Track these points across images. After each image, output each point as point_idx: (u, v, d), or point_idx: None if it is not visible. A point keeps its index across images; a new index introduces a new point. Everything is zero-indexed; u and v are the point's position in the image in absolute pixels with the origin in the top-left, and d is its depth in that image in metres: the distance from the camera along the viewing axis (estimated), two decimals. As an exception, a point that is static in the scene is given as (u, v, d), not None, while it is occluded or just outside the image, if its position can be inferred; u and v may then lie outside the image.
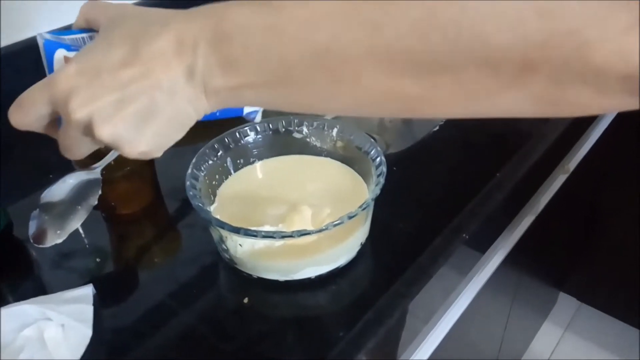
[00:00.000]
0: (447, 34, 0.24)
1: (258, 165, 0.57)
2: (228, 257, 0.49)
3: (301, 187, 0.55)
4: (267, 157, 0.57)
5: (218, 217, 0.46)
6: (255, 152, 0.56)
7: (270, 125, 0.56)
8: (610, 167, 1.15)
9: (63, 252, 0.52)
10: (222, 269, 0.51)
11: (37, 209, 0.46)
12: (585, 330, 1.42)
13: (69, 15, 0.39)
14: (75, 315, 0.43)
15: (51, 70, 0.42)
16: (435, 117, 0.29)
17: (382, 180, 0.47)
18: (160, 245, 0.55)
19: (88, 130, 0.31)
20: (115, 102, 0.30)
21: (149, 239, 0.55)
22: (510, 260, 0.75)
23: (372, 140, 0.52)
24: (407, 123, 0.79)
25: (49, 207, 0.47)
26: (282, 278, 0.48)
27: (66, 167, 0.49)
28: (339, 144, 0.56)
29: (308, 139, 0.57)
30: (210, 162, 0.52)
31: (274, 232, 0.44)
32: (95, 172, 0.48)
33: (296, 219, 0.48)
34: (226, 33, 0.28)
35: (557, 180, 0.85)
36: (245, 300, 0.47)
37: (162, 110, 0.30)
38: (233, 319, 0.46)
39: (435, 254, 0.50)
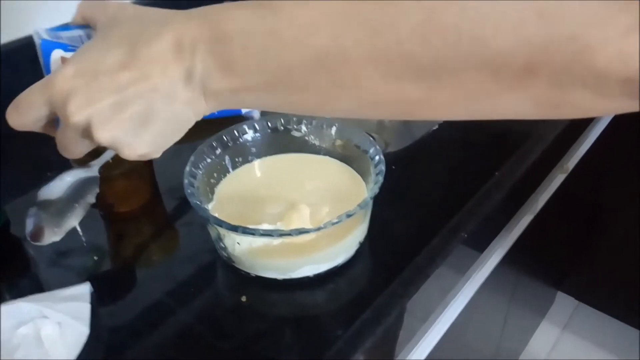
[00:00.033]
0: (447, 38, 0.24)
1: (256, 163, 0.57)
2: (226, 255, 0.49)
3: (300, 185, 0.55)
4: (266, 155, 0.57)
5: (216, 215, 0.46)
6: (253, 150, 0.56)
7: (269, 124, 0.56)
8: (609, 166, 1.15)
9: (60, 250, 0.52)
10: (219, 268, 0.51)
11: (34, 207, 0.46)
12: (582, 329, 1.42)
13: (69, 14, 0.39)
14: (72, 314, 0.43)
15: (48, 70, 0.42)
16: (435, 119, 0.29)
17: (380, 179, 0.47)
18: (158, 243, 0.55)
19: (87, 132, 0.30)
20: (114, 105, 0.29)
21: (146, 237, 0.55)
22: (508, 259, 0.75)
23: (371, 138, 0.52)
24: (406, 122, 0.79)
25: (46, 204, 0.46)
26: (280, 277, 0.48)
27: (64, 164, 0.49)
28: (338, 142, 0.56)
29: (307, 138, 0.57)
30: (209, 160, 0.52)
31: (272, 231, 0.44)
32: (93, 170, 0.48)
33: (294, 217, 0.48)
34: (225, 36, 0.28)
35: (556, 180, 0.85)
36: (243, 298, 0.47)
37: (161, 113, 0.30)
38: (231, 317, 0.46)
39: (434, 254, 0.50)
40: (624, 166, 1.16)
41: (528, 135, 0.64)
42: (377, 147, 0.51)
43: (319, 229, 0.43)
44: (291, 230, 0.43)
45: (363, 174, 0.54)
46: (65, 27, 0.42)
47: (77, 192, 0.47)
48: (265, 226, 0.46)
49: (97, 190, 0.47)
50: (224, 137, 0.54)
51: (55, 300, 0.45)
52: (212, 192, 0.53)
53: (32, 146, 0.64)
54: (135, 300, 0.48)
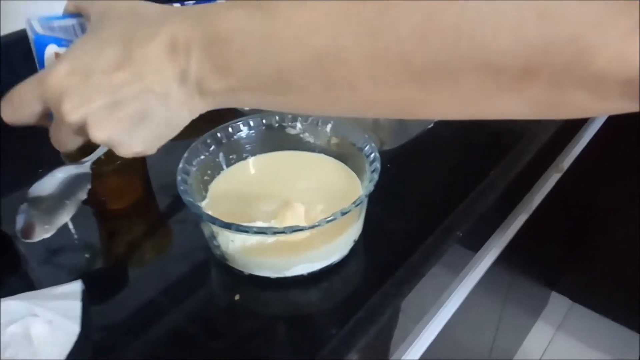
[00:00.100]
0: (447, 39, 0.24)
1: (251, 160, 0.56)
2: (219, 253, 0.48)
3: (294, 183, 0.54)
4: (260, 152, 0.56)
5: (209, 212, 0.45)
6: (248, 147, 0.56)
7: (264, 121, 0.56)
8: (604, 166, 1.15)
9: (51, 248, 0.52)
10: (213, 266, 0.50)
11: (25, 203, 0.45)
12: (577, 330, 1.43)
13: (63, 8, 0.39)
14: (63, 312, 0.43)
15: (42, 65, 0.42)
16: (433, 118, 0.29)
17: (375, 176, 0.47)
18: (151, 241, 0.54)
19: (82, 130, 0.31)
20: (109, 106, 0.30)
21: (139, 235, 0.54)
22: (503, 259, 0.75)
23: (366, 136, 0.52)
24: (402, 121, 0.78)
25: (37, 201, 0.46)
26: (274, 275, 0.47)
27: (56, 161, 0.49)
28: (333, 140, 0.55)
29: (302, 135, 0.56)
30: (202, 157, 0.52)
31: (266, 228, 0.43)
32: (84, 166, 0.48)
33: (289, 215, 0.47)
34: (220, 37, 0.28)
35: (551, 180, 0.85)
36: (237, 297, 0.47)
37: (156, 113, 0.30)
38: (224, 316, 0.46)
39: (428, 253, 0.50)
40: (619, 166, 1.16)
41: (523, 135, 0.64)
42: (373, 144, 0.51)
43: (313, 226, 0.43)
44: (285, 228, 0.43)
45: (358, 172, 0.53)
46: (57, 16, 0.41)
47: (68, 189, 0.46)
48: (259, 224, 0.46)
49: (88, 186, 0.46)
50: (218, 134, 0.53)
51: (46, 298, 0.44)
52: (206, 190, 0.53)
53: (24, 143, 0.64)
54: (127, 299, 0.48)
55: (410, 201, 0.56)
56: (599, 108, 0.25)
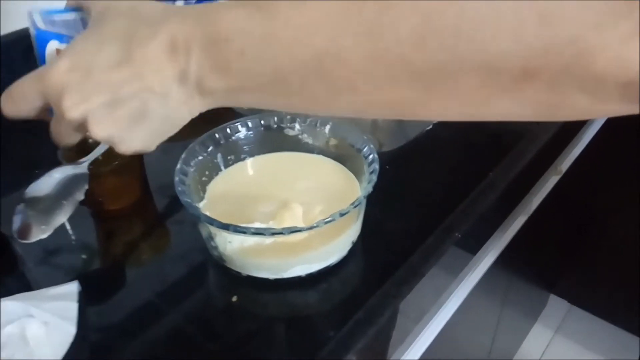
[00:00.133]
0: (446, 40, 0.24)
1: (249, 161, 0.56)
2: (217, 254, 0.48)
3: (292, 184, 0.54)
4: (259, 153, 0.56)
5: (207, 213, 0.45)
6: (246, 148, 0.56)
7: (262, 122, 0.55)
8: (603, 168, 1.15)
9: (48, 248, 0.51)
10: (211, 267, 0.50)
11: (22, 204, 0.45)
12: (575, 332, 1.43)
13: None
14: (59, 313, 0.42)
15: (43, 61, 0.42)
16: (432, 119, 0.29)
17: (374, 177, 0.47)
18: (148, 242, 0.54)
19: (82, 127, 0.31)
20: (109, 104, 0.30)
21: (136, 236, 0.54)
22: (502, 261, 0.75)
23: (365, 137, 0.52)
24: (400, 122, 0.78)
25: (34, 201, 0.46)
26: (271, 276, 0.47)
27: (53, 162, 0.49)
28: (332, 141, 0.55)
29: (300, 136, 0.56)
30: (200, 157, 0.52)
31: (264, 229, 0.43)
32: (82, 167, 0.48)
33: (287, 216, 0.47)
34: (220, 38, 0.28)
35: (550, 182, 0.85)
36: (234, 298, 0.46)
37: (155, 112, 0.30)
38: (221, 317, 0.45)
39: (427, 254, 0.49)
40: (618, 168, 1.16)
41: (522, 136, 0.64)
42: (371, 146, 0.51)
43: (311, 227, 0.43)
44: (283, 229, 0.43)
45: (357, 173, 0.53)
46: (59, 10, 0.41)
47: (65, 189, 0.46)
48: (257, 225, 0.46)
49: (86, 187, 0.46)
50: (216, 135, 0.53)
51: (42, 299, 0.44)
52: (204, 191, 0.53)
53: (21, 143, 0.64)
54: (124, 300, 0.47)
55: (409, 202, 0.56)
56: (598, 110, 0.25)
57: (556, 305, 1.46)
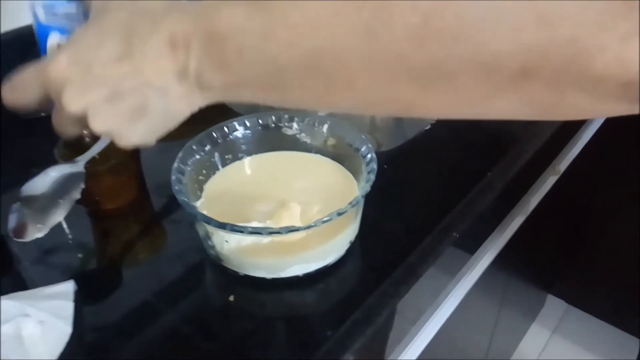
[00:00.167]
0: (444, 40, 0.23)
1: (246, 161, 0.56)
2: (214, 253, 0.48)
3: (290, 183, 0.54)
4: (256, 153, 0.56)
5: (204, 212, 0.45)
6: (243, 147, 0.55)
7: (260, 121, 0.55)
8: (601, 168, 1.15)
9: (45, 248, 0.51)
10: (207, 266, 0.50)
11: (18, 202, 0.45)
12: (572, 332, 1.43)
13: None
14: (55, 312, 0.42)
15: (45, 53, 0.42)
16: (430, 117, 0.29)
17: (372, 177, 0.47)
18: (145, 241, 0.54)
19: (82, 120, 0.32)
20: (109, 98, 0.30)
21: (133, 235, 0.54)
22: (500, 261, 0.75)
23: (363, 137, 0.52)
24: (399, 122, 0.78)
25: (30, 200, 0.46)
26: (269, 276, 0.47)
27: (49, 160, 0.48)
28: (330, 140, 0.55)
29: (298, 135, 0.56)
30: (198, 156, 0.51)
31: (261, 229, 0.43)
32: (78, 165, 0.47)
33: (284, 215, 0.47)
34: (219, 35, 0.28)
35: (548, 182, 0.85)
36: (231, 298, 0.46)
37: (155, 107, 0.31)
38: (218, 317, 0.45)
39: (425, 254, 0.49)
40: (617, 168, 1.16)
41: (520, 136, 0.64)
42: (369, 145, 0.51)
43: (309, 227, 0.42)
44: (281, 228, 0.42)
45: (355, 172, 0.53)
46: (61, 1, 0.41)
47: (62, 188, 0.46)
48: (255, 224, 0.46)
49: (82, 185, 0.46)
50: (214, 134, 0.53)
51: (38, 298, 0.43)
52: (201, 190, 0.52)
53: (18, 142, 0.63)
54: (120, 299, 0.47)
55: (407, 202, 0.56)
56: (597, 110, 0.25)
57: (554, 306, 1.46)
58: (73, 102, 0.31)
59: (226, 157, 0.55)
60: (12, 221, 0.44)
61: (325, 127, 0.55)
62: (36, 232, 0.44)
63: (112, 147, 0.48)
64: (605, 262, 1.30)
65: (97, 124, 0.31)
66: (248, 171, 0.56)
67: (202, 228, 0.47)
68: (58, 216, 0.45)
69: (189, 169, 0.50)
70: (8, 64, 0.66)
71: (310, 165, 0.56)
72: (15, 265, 0.51)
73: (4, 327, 0.40)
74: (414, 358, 0.59)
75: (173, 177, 0.47)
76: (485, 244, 0.68)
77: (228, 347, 0.42)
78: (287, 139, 0.56)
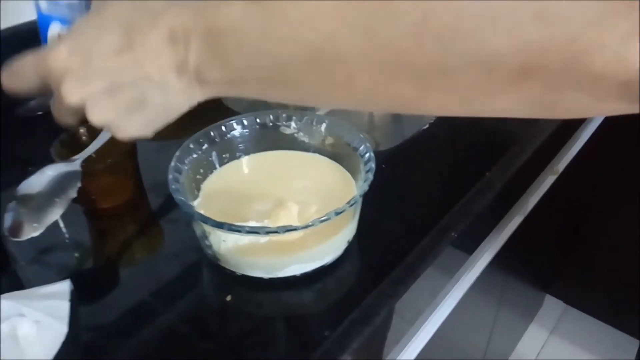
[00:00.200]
0: (443, 38, 0.23)
1: (244, 160, 0.56)
2: (211, 253, 0.48)
3: (288, 183, 0.54)
4: (254, 152, 0.56)
5: (201, 212, 0.44)
6: (241, 146, 0.55)
7: (258, 120, 0.55)
8: (600, 169, 1.15)
9: (41, 247, 0.51)
10: (205, 266, 0.49)
11: (14, 201, 0.44)
12: (570, 333, 1.43)
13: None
14: (51, 312, 0.42)
15: (45, 41, 0.42)
16: (428, 114, 0.29)
17: (370, 176, 0.47)
18: (142, 240, 0.53)
19: (80, 111, 0.32)
20: (107, 90, 0.31)
21: (130, 235, 0.54)
22: (498, 261, 0.75)
23: (361, 136, 0.51)
24: (397, 121, 0.78)
25: (25, 199, 0.45)
26: (266, 275, 0.47)
27: (45, 159, 0.48)
28: (328, 140, 0.55)
29: (296, 135, 0.56)
30: (195, 155, 0.51)
31: (259, 228, 0.43)
32: (75, 164, 0.47)
33: (282, 215, 0.47)
34: (218, 31, 0.28)
35: (546, 182, 0.84)
36: (228, 298, 0.46)
37: (153, 100, 0.31)
38: (215, 317, 0.45)
39: (423, 254, 0.49)
40: (615, 168, 1.16)
41: (519, 136, 0.64)
42: (367, 144, 0.50)
43: (306, 226, 0.42)
44: (278, 228, 0.42)
45: (353, 172, 0.53)
46: None
47: (58, 187, 0.46)
48: (252, 223, 0.45)
49: (78, 184, 0.45)
50: (211, 133, 0.53)
51: (34, 298, 0.43)
52: (198, 189, 0.52)
53: (14, 140, 0.63)
54: (117, 299, 0.47)
55: (405, 202, 0.56)
56: (596, 109, 0.25)
57: (552, 306, 1.46)
58: (72, 94, 0.31)
59: (224, 156, 0.54)
60: (7, 220, 0.44)
61: (323, 126, 0.55)
62: (32, 231, 0.44)
63: (109, 146, 0.47)
64: (603, 262, 1.30)
65: (95, 116, 0.32)
66: (246, 170, 0.55)
67: (199, 227, 0.47)
68: (54, 215, 0.44)
69: (186, 168, 0.50)
70: (8, 61, 0.67)
71: (308, 165, 0.55)
72: (11, 264, 0.51)
73: (-1, 327, 0.40)
74: (412, 358, 0.59)
75: (170, 176, 0.47)
76: (483, 244, 0.68)
77: (225, 347, 0.42)
78: (285, 138, 0.56)
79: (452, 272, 0.62)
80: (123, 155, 0.53)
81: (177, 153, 0.49)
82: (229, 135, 0.54)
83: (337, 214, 0.43)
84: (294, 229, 0.42)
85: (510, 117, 0.27)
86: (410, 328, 0.58)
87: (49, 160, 0.48)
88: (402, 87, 0.26)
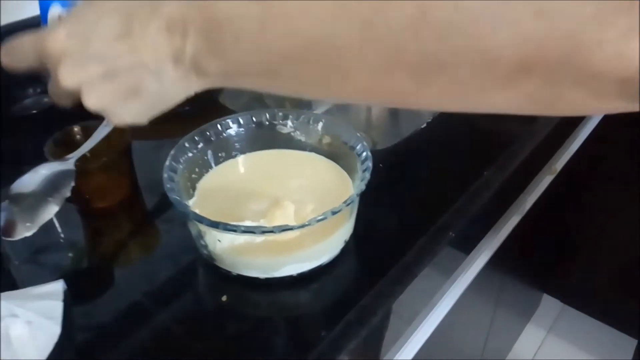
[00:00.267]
0: (440, 32, 0.23)
1: (240, 159, 0.55)
2: (207, 253, 0.47)
3: (284, 182, 0.53)
4: (250, 151, 0.56)
5: (197, 211, 0.44)
6: (237, 145, 0.55)
7: (254, 119, 0.55)
8: (598, 168, 1.15)
9: (34, 247, 0.50)
10: (200, 266, 0.49)
11: (7, 200, 0.44)
12: (568, 332, 1.43)
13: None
14: (44, 312, 0.41)
15: (45, 21, 0.41)
16: (425, 109, 0.29)
17: (367, 175, 0.46)
18: (137, 240, 0.53)
19: (76, 94, 0.32)
20: (104, 75, 0.31)
21: (125, 234, 0.53)
22: (495, 261, 0.74)
23: (358, 135, 0.51)
24: (394, 120, 0.78)
25: (19, 198, 0.45)
26: (262, 275, 0.46)
27: (39, 158, 0.48)
28: (325, 139, 0.55)
29: (293, 134, 0.55)
30: (190, 154, 0.51)
31: (254, 227, 0.42)
32: (68, 163, 0.47)
33: (278, 214, 0.46)
34: (216, 23, 0.28)
35: (544, 181, 0.84)
36: (224, 298, 0.46)
37: (149, 88, 0.31)
38: (211, 318, 0.45)
39: (421, 253, 0.49)
40: (613, 168, 1.16)
41: (517, 135, 0.64)
42: (364, 143, 0.50)
43: (303, 226, 0.42)
44: (274, 227, 0.42)
45: (350, 171, 0.52)
46: None
47: (52, 186, 0.45)
48: (248, 223, 0.45)
49: (72, 184, 0.45)
50: (207, 132, 0.52)
51: (27, 298, 0.43)
52: (194, 188, 0.52)
53: (7, 138, 0.62)
54: (111, 300, 0.46)
55: (402, 201, 0.56)
56: (595, 106, 0.24)
57: (549, 305, 1.46)
58: (68, 77, 0.31)
59: (219, 155, 0.54)
60: (0, 220, 0.43)
61: (320, 125, 0.54)
62: (25, 231, 0.43)
63: (103, 145, 0.47)
64: (600, 261, 1.30)
65: (90, 100, 0.32)
66: (242, 169, 0.55)
67: (194, 227, 0.46)
68: (48, 215, 0.44)
69: (181, 167, 0.49)
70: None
71: (305, 164, 0.55)
72: (4, 264, 0.50)
73: (-9, 328, 0.40)
74: (410, 358, 0.58)
75: (165, 175, 0.47)
76: (481, 243, 0.67)
77: (221, 348, 0.42)
78: (282, 137, 0.55)
79: (449, 271, 0.62)
80: (117, 154, 0.52)
81: (173, 152, 0.49)
82: (224, 134, 0.54)
83: (334, 213, 0.42)
84: (290, 228, 0.42)
85: (508, 116, 0.27)
86: (408, 328, 0.57)
87: (42, 159, 0.47)
88: (400, 81, 0.26)
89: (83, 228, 0.54)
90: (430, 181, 0.59)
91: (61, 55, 0.31)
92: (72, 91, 0.32)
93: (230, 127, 0.54)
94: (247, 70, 0.29)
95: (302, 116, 0.55)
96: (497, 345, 1.17)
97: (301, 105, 0.75)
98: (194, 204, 0.50)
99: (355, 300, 0.44)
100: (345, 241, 0.49)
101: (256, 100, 0.75)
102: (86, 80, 0.31)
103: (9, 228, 0.43)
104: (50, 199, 0.45)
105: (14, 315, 0.41)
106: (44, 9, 0.41)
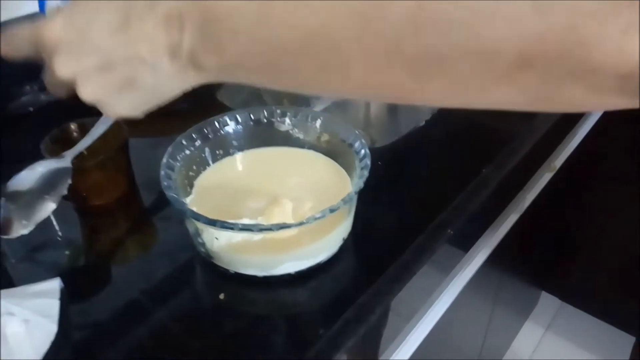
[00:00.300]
0: (439, 26, 0.23)
1: (238, 156, 0.55)
2: (204, 251, 0.47)
3: (282, 179, 0.53)
4: (248, 148, 0.55)
5: (194, 209, 0.44)
6: (235, 143, 0.55)
7: (252, 116, 0.54)
8: (597, 165, 1.15)
9: (31, 244, 0.50)
10: (198, 264, 0.49)
11: (3, 198, 0.44)
12: (566, 330, 1.43)
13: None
14: (41, 311, 0.41)
15: (42, 10, 0.41)
16: (423, 104, 0.28)
17: (366, 173, 0.46)
18: (134, 238, 0.53)
19: (71, 85, 0.32)
20: (99, 67, 0.31)
21: (122, 232, 0.53)
22: (494, 259, 0.74)
23: (357, 132, 0.51)
24: (393, 118, 0.78)
25: (15, 196, 0.45)
26: (260, 273, 0.46)
27: (36, 155, 0.47)
28: (323, 136, 0.54)
29: (291, 131, 0.55)
30: (188, 152, 0.50)
31: (252, 225, 0.42)
32: (65, 161, 0.47)
33: (276, 212, 0.46)
34: (214, 17, 0.28)
35: (543, 178, 0.84)
36: (222, 296, 0.45)
37: (144, 81, 0.31)
38: (208, 315, 0.44)
39: (419, 251, 0.49)
40: (613, 165, 1.16)
41: (516, 132, 0.64)
42: (363, 141, 0.50)
43: (301, 223, 0.42)
44: (272, 225, 0.42)
45: (348, 168, 0.52)
46: None
47: (48, 183, 0.45)
48: (246, 221, 0.45)
49: (69, 181, 0.45)
50: (204, 129, 0.52)
51: (23, 296, 0.42)
52: (191, 186, 0.51)
53: (3, 136, 0.62)
54: (108, 298, 0.46)
55: (401, 199, 0.55)
56: (595, 103, 0.24)
57: (547, 303, 1.46)
58: (64, 67, 0.31)
59: (217, 152, 0.54)
60: (-3, 217, 0.43)
61: (318, 123, 0.54)
62: (22, 229, 0.43)
63: (100, 143, 0.47)
64: (599, 258, 1.30)
65: (85, 92, 0.32)
66: (239, 167, 0.55)
67: (191, 225, 0.46)
68: (44, 212, 0.44)
69: (178, 164, 0.49)
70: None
71: (303, 161, 0.55)
72: (1, 262, 0.50)
73: (-13, 326, 0.39)
74: (408, 356, 0.58)
75: (162, 173, 0.46)
76: (479, 241, 0.67)
77: (218, 346, 0.42)
78: (280, 135, 0.55)
79: (448, 269, 0.62)
80: (114, 151, 0.52)
81: (170, 149, 0.49)
82: (222, 132, 0.53)
83: (332, 211, 0.42)
84: (288, 226, 0.42)
85: (507, 113, 0.27)
86: (406, 326, 0.57)
87: (39, 157, 0.47)
88: (397, 76, 0.26)
89: (80, 226, 0.54)
90: (428, 179, 0.58)
91: (57, 45, 0.31)
92: (67, 82, 0.32)
93: (227, 125, 0.54)
94: (245, 64, 0.29)
95: (300, 113, 0.54)
96: (496, 343, 1.17)
97: (299, 103, 0.75)
98: (192, 202, 0.50)
99: (354, 298, 0.44)
100: (343, 239, 0.49)
101: (254, 98, 0.75)
102: (81, 71, 0.31)
103: (5, 226, 0.43)
104: (47, 196, 0.44)
105: (11, 314, 0.41)
106: (43, 5, 0.41)
